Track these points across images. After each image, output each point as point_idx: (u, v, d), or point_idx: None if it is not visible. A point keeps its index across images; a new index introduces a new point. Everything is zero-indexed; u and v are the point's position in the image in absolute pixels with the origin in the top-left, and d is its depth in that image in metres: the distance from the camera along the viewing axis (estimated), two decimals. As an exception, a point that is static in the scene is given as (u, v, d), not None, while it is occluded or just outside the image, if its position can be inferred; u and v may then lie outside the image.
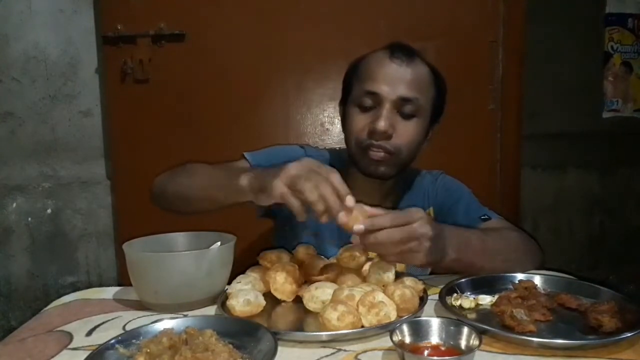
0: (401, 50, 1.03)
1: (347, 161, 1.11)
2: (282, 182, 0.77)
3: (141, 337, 0.68)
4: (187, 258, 0.83)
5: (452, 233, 0.86)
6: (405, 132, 1.02)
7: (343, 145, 1.16)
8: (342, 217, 0.77)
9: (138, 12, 1.63)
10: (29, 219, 1.80)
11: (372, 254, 0.91)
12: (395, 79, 1.01)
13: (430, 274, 1.05)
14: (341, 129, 1.82)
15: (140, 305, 0.86)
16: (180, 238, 0.95)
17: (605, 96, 2.01)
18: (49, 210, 1.80)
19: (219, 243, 0.87)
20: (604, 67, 2.00)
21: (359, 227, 0.77)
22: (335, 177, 0.77)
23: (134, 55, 1.64)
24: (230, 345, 0.65)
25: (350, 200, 0.77)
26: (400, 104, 1.00)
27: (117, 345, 0.66)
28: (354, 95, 1.06)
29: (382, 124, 0.99)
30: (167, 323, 0.71)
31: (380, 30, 1.71)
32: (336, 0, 1.69)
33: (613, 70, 2.00)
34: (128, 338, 0.68)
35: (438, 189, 1.18)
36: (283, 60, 1.68)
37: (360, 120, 1.03)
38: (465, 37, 1.72)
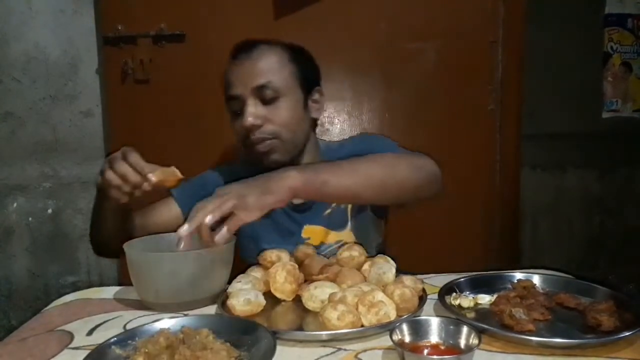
0: (239, 49, 1.07)
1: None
2: (98, 174, 0.90)
3: (137, 338, 0.68)
4: (187, 258, 0.84)
5: (283, 169, 0.86)
6: (276, 116, 1.03)
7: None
8: (152, 176, 0.86)
9: (138, 12, 1.64)
10: (30, 218, 1.80)
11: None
12: (243, 75, 1.04)
13: (426, 272, 1.05)
14: (341, 128, 1.84)
15: (140, 305, 0.86)
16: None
17: (604, 96, 2.01)
18: (49, 210, 1.80)
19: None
20: (604, 67, 1.99)
21: (182, 230, 0.78)
22: (132, 157, 0.87)
23: (135, 55, 1.64)
24: (228, 344, 0.65)
25: (152, 176, 0.85)
26: (258, 93, 1.02)
27: (113, 346, 0.66)
28: (227, 108, 1.09)
29: (246, 121, 1.02)
30: (164, 323, 0.72)
31: (380, 30, 1.72)
32: (336, 0, 1.69)
33: (612, 70, 2.00)
34: (124, 339, 0.68)
35: (360, 149, 1.14)
36: (283, 61, 1.68)
37: (237, 126, 1.06)
38: (465, 37, 1.73)
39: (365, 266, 0.90)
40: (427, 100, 1.77)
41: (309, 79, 1.11)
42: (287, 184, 0.83)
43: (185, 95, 1.68)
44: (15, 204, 1.79)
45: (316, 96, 1.13)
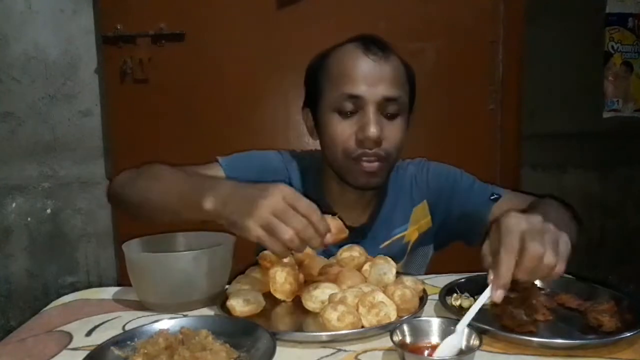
0: (376, 45, 0.94)
1: (324, 167, 1.04)
2: (256, 224, 0.68)
3: (136, 339, 0.68)
4: (187, 258, 0.83)
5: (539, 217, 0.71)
6: (393, 134, 0.94)
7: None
8: (329, 238, 0.72)
9: (138, 12, 1.63)
10: (29, 219, 1.80)
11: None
12: (375, 78, 0.91)
13: (428, 273, 1.05)
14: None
15: (139, 306, 0.86)
16: (180, 238, 0.95)
17: (605, 96, 2.01)
18: (48, 210, 1.80)
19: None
20: (604, 66, 2.00)
21: (498, 295, 0.64)
22: (315, 216, 0.69)
23: (134, 55, 1.64)
24: (227, 345, 0.65)
25: (329, 237, 0.72)
26: (384, 104, 0.92)
27: (112, 347, 0.66)
28: (329, 100, 0.96)
29: (373, 131, 0.90)
30: (163, 324, 0.71)
31: (380, 30, 1.71)
32: (336, 1, 1.69)
33: (613, 70, 2.00)
34: (123, 339, 0.68)
35: (429, 179, 1.09)
36: (283, 60, 1.68)
37: (345, 128, 0.93)
38: (465, 37, 1.72)
39: (366, 267, 0.90)
40: (427, 100, 1.76)
41: (412, 100, 1.02)
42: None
43: (185, 94, 1.68)
44: (14, 204, 1.79)
45: (410, 119, 1.03)
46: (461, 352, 0.63)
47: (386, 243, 1.06)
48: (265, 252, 0.93)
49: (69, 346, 0.72)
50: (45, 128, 1.78)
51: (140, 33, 1.63)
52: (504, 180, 1.82)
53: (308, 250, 0.95)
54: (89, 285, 1.77)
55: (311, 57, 1.72)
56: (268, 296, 0.84)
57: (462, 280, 0.88)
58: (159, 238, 0.94)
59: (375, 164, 0.93)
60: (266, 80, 1.68)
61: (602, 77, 2.00)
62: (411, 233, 1.09)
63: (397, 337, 0.64)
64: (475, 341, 0.62)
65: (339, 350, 0.68)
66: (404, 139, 0.97)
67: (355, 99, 0.92)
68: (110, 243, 1.83)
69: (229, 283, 0.88)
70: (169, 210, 0.84)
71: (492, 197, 1.01)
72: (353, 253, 0.91)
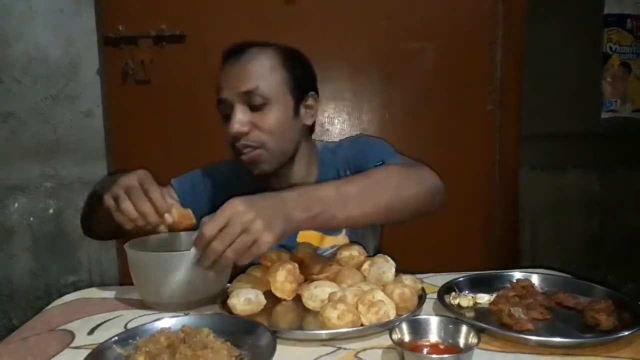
0: (232, 52, 1.04)
1: None
2: (109, 196, 0.85)
3: (138, 337, 0.68)
4: (188, 257, 0.84)
5: (293, 195, 0.82)
6: (263, 123, 1.00)
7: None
8: (168, 217, 0.86)
9: (139, 13, 1.64)
10: (31, 218, 1.80)
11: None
12: (231, 79, 1.02)
13: (426, 272, 1.05)
14: (341, 129, 1.83)
15: (141, 305, 0.87)
16: (181, 237, 0.96)
17: (603, 97, 2.01)
18: (50, 210, 1.81)
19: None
20: (603, 67, 2.00)
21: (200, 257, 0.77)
22: (155, 194, 0.85)
23: (135, 56, 1.65)
24: (229, 343, 0.66)
25: (168, 217, 0.86)
26: (246, 99, 1.00)
27: (114, 346, 0.67)
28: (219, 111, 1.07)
29: (231, 127, 1.00)
30: (164, 322, 0.72)
31: (380, 30, 1.72)
32: (336, 0, 1.70)
33: (612, 71, 2.00)
34: (125, 338, 0.68)
35: (352, 153, 1.13)
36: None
37: (226, 132, 1.04)
38: (464, 37, 1.73)
39: (365, 266, 0.91)
40: (427, 100, 1.77)
41: (301, 84, 1.07)
42: (295, 218, 0.80)
43: (186, 95, 1.69)
44: (16, 204, 1.80)
45: (309, 102, 1.09)
46: (460, 351, 0.63)
47: None
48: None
49: (71, 345, 0.72)
50: (47, 129, 1.78)
51: (141, 34, 1.64)
52: (503, 181, 1.82)
53: (308, 249, 0.96)
54: (90, 285, 1.77)
55: (311, 57, 1.72)
56: (268, 295, 0.84)
57: (461, 279, 0.89)
58: (160, 237, 0.94)
59: (250, 152, 1.01)
60: (267, 80, 1.69)
61: (601, 77, 2.00)
62: None
63: (397, 336, 0.64)
64: (473, 339, 0.63)
65: (339, 348, 0.69)
66: (283, 125, 1.03)
67: (223, 102, 1.03)
68: (112, 243, 1.83)
69: (230, 282, 0.89)
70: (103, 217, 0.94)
71: (377, 164, 1.01)
72: (352, 252, 0.92)
